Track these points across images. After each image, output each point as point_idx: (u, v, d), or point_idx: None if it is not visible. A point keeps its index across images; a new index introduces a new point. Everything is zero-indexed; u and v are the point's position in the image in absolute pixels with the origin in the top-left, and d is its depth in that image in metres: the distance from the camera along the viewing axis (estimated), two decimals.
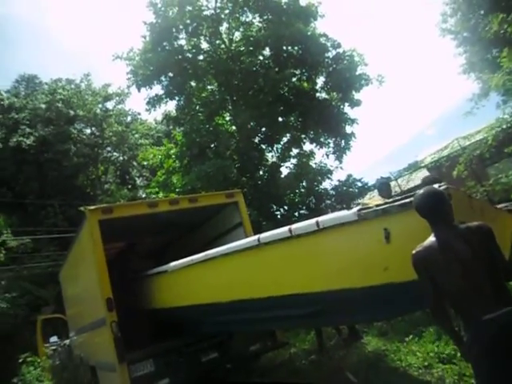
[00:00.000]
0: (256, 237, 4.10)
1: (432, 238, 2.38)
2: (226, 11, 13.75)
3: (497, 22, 7.90)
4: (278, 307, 3.95)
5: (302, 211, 12.81)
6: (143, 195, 25.16)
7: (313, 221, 3.44)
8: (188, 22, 13.27)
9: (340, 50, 13.22)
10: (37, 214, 21.82)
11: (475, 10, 17.41)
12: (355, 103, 13.33)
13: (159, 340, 5.93)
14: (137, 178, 29.86)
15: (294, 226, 3.65)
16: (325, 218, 3.42)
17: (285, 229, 3.71)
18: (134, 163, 28.49)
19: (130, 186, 28.75)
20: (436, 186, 2.62)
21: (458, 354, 3.93)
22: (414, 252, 2.40)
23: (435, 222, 2.40)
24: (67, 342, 9.40)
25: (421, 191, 2.52)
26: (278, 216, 12.79)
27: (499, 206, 4.20)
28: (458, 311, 2.38)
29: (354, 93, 13.21)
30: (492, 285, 2.24)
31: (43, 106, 25.38)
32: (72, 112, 25.62)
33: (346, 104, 13.45)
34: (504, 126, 7.46)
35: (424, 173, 16.62)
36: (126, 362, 5.21)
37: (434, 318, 2.52)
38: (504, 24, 7.73)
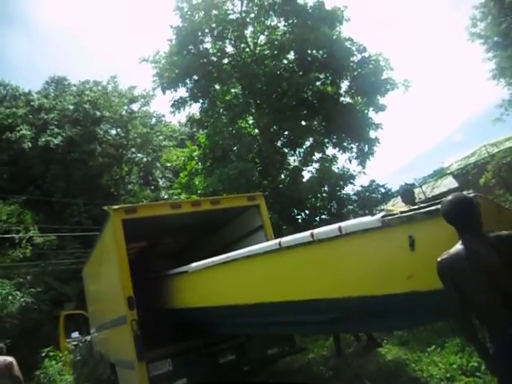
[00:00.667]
0: (277, 240, 4.08)
1: (459, 246, 2.32)
2: (252, 15, 13.83)
3: None
4: (298, 312, 3.91)
5: (323, 216, 12.73)
6: (166, 196, 25.47)
7: (335, 226, 3.40)
8: (214, 25, 13.42)
9: (365, 54, 13.13)
10: (62, 212, 22.36)
11: (507, 14, 17.01)
12: (380, 108, 13.18)
13: (178, 340, 5.97)
14: (160, 179, 30.24)
15: (315, 231, 3.61)
16: (347, 224, 3.37)
17: (306, 233, 3.68)
18: (158, 164, 28.89)
19: (152, 187, 29.14)
20: (465, 192, 2.55)
21: (483, 367, 3.82)
22: (439, 259, 2.34)
23: (463, 229, 2.34)
24: (88, 338, 9.58)
25: (449, 197, 2.46)
26: (299, 220, 12.74)
27: None
28: (483, 322, 2.31)
29: (378, 97, 13.08)
30: None
31: (71, 106, 26.06)
32: (98, 113, 26.20)
33: (371, 109, 13.34)
34: None
35: (450, 180, 16.26)
36: (145, 360, 5.26)
37: (459, 327, 2.46)
38: None
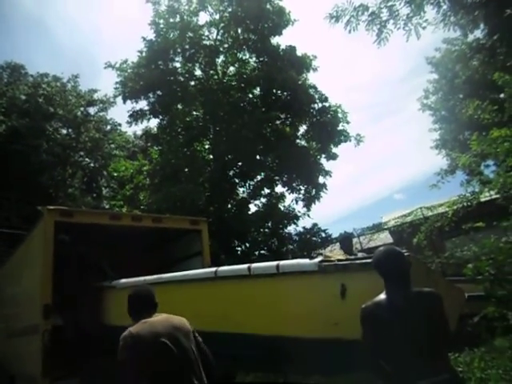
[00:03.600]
0: (213, 269, 4.06)
1: (382, 296, 2.43)
2: (225, 45, 14.16)
3: (473, 106, 8.48)
4: (225, 344, 3.85)
5: (262, 251, 12.79)
6: (107, 206, 24.47)
7: (273, 263, 3.45)
8: (187, 47, 13.57)
9: (326, 104, 13.74)
10: None
11: (455, 93, 18.73)
12: (332, 156, 13.75)
13: (95, 357, 5.61)
14: (103, 188, 29.09)
15: (253, 265, 3.63)
16: (285, 263, 3.43)
17: (244, 266, 3.70)
18: (104, 173, 27.85)
19: (94, 195, 27.94)
20: (398, 248, 2.69)
21: None
22: (363, 306, 2.44)
23: (390, 280, 2.45)
24: None
25: (382, 248, 2.59)
26: (239, 252, 12.72)
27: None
28: (394, 372, 2.40)
29: (332, 146, 13.66)
30: (432, 350, 2.28)
31: (23, 97, 24.80)
32: (52, 109, 25.10)
33: (323, 155, 13.86)
34: (464, 204, 7.83)
35: (386, 235, 17.07)
36: (49, 377, 4.90)
37: (371, 370, 2.52)
38: (478, 110, 8.30)
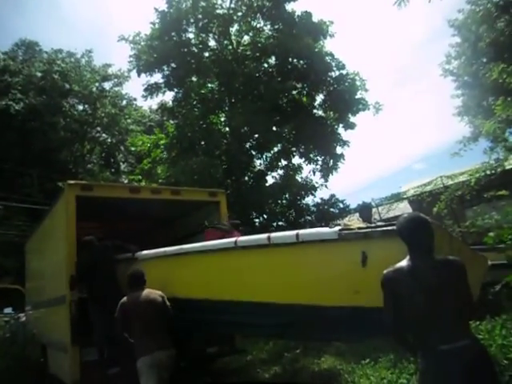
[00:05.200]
0: (233, 239, 4.08)
1: (404, 262, 2.40)
2: (239, 13, 13.82)
3: (497, 70, 8.16)
4: (244, 313, 3.90)
5: (280, 223, 12.85)
6: (126, 181, 24.82)
7: (293, 232, 3.43)
8: (200, 16, 13.29)
9: (343, 72, 13.41)
10: (13, 182, 21.30)
11: (479, 57, 17.98)
12: (350, 126, 13.51)
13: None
14: (121, 163, 29.44)
15: (273, 235, 3.63)
16: (305, 232, 3.41)
17: (263, 236, 3.69)
18: (121, 148, 28.14)
19: (113, 170, 28.33)
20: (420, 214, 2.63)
21: None
22: (385, 272, 2.42)
23: (413, 247, 2.41)
24: (22, 315, 9.15)
25: (406, 215, 2.54)
26: (257, 224, 12.80)
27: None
28: (415, 338, 2.40)
29: (350, 115, 13.40)
30: (453, 318, 2.27)
31: (39, 74, 24.92)
32: (67, 86, 25.21)
33: (341, 125, 13.64)
34: (488, 172, 7.65)
35: (405, 205, 16.86)
36: (79, 344, 5.10)
37: (392, 335, 2.52)
38: (503, 74, 7.97)
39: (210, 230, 5.76)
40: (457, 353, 2.18)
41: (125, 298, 4.28)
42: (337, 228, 3.14)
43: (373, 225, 3.35)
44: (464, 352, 2.19)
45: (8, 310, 11.34)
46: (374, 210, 14.81)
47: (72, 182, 5.82)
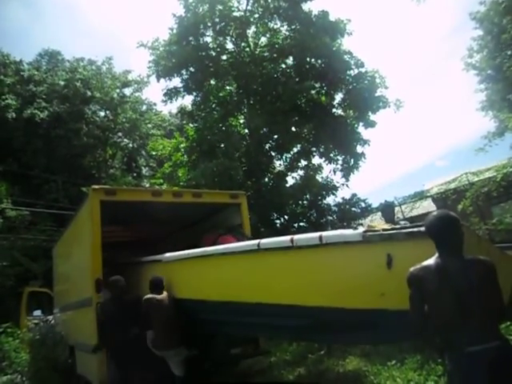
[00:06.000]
0: (256, 241, 4.05)
1: (432, 260, 2.36)
2: (256, 15, 13.84)
3: None
4: (268, 315, 3.89)
5: (301, 223, 12.78)
6: (147, 185, 25.18)
7: (316, 234, 3.39)
8: (217, 20, 13.35)
9: (362, 70, 13.23)
10: (39, 188, 21.89)
11: (502, 50, 17.49)
12: (370, 124, 13.33)
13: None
14: (143, 167, 29.91)
15: (296, 237, 3.58)
16: (329, 234, 3.36)
17: (286, 238, 3.65)
18: (143, 152, 28.59)
19: (135, 174, 28.78)
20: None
21: None
22: (411, 269, 2.38)
23: (441, 245, 2.37)
24: (50, 317, 9.37)
25: (435, 212, 2.49)
26: (278, 225, 12.77)
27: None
28: (442, 339, 2.35)
29: (370, 113, 13.20)
30: (482, 319, 2.21)
31: (62, 82, 25.56)
32: (89, 93, 25.78)
33: (361, 124, 13.47)
34: None
35: (429, 203, 16.56)
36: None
37: (419, 335, 2.47)
38: None
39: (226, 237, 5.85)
40: (485, 354, 2.12)
41: (150, 295, 5.01)
42: (361, 230, 3.10)
43: (398, 226, 3.27)
44: (493, 354, 2.13)
45: (37, 313, 11.68)
46: (397, 208, 14.62)
47: (96, 186, 5.93)
